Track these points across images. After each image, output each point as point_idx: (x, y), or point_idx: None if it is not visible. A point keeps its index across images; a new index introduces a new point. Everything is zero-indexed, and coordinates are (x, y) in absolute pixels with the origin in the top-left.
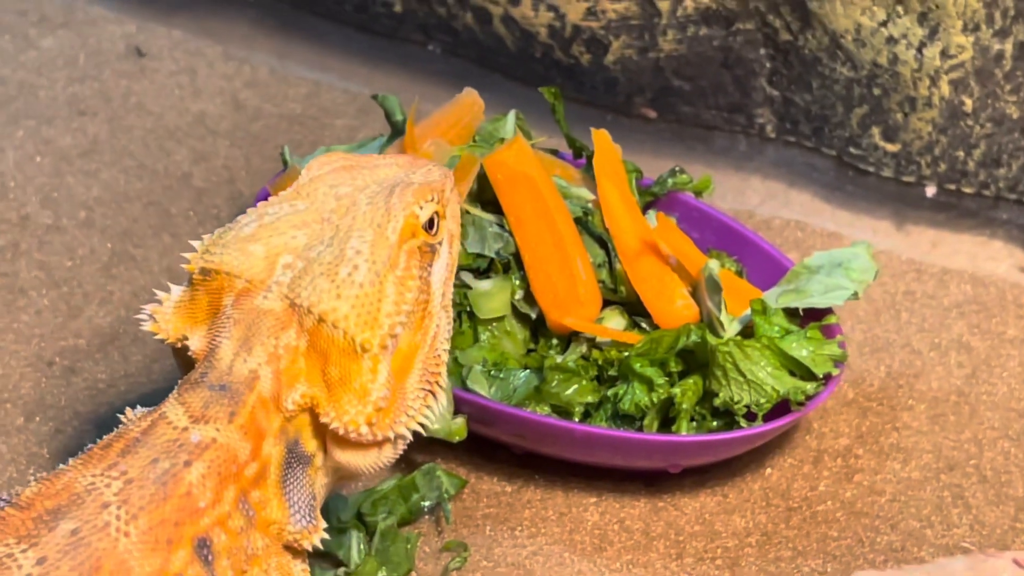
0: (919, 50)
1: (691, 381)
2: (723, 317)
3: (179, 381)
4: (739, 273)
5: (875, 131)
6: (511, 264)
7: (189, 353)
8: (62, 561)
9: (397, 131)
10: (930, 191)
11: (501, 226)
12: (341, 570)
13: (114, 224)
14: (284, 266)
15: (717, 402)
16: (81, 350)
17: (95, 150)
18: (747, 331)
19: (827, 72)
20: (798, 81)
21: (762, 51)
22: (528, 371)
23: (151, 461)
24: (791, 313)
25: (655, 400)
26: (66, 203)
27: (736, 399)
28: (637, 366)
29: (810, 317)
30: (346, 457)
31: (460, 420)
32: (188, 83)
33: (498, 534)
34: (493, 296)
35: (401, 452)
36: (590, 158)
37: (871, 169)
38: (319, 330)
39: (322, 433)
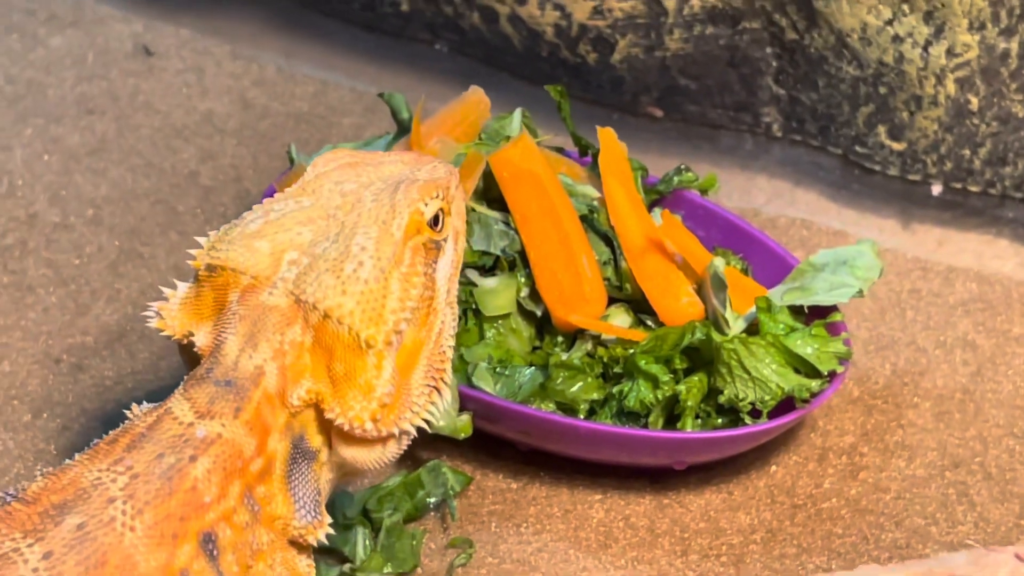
0: (925, 49)
1: (696, 378)
2: (728, 314)
3: (185, 377)
4: (744, 271)
5: (881, 130)
6: (516, 262)
7: (195, 349)
8: (68, 555)
9: (403, 129)
10: (936, 189)
11: (507, 224)
12: (347, 566)
13: (122, 222)
14: (289, 262)
15: (722, 399)
16: (88, 347)
17: (103, 148)
18: (752, 328)
19: (833, 71)
20: (804, 80)
21: (768, 50)
22: (533, 368)
23: (157, 456)
24: (796, 311)
25: (660, 397)
26: (74, 201)
27: (741, 396)
28: (642, 363)
29: (815, 315)
30: (351, 453)
31: (465, 417)
32: (195, 82)
33: (503, 531)
34: (499, 293)
35: (405, 448)
36: (596, 156)
37: (877, 168)
38: (324, 326)
39: (327, 429)
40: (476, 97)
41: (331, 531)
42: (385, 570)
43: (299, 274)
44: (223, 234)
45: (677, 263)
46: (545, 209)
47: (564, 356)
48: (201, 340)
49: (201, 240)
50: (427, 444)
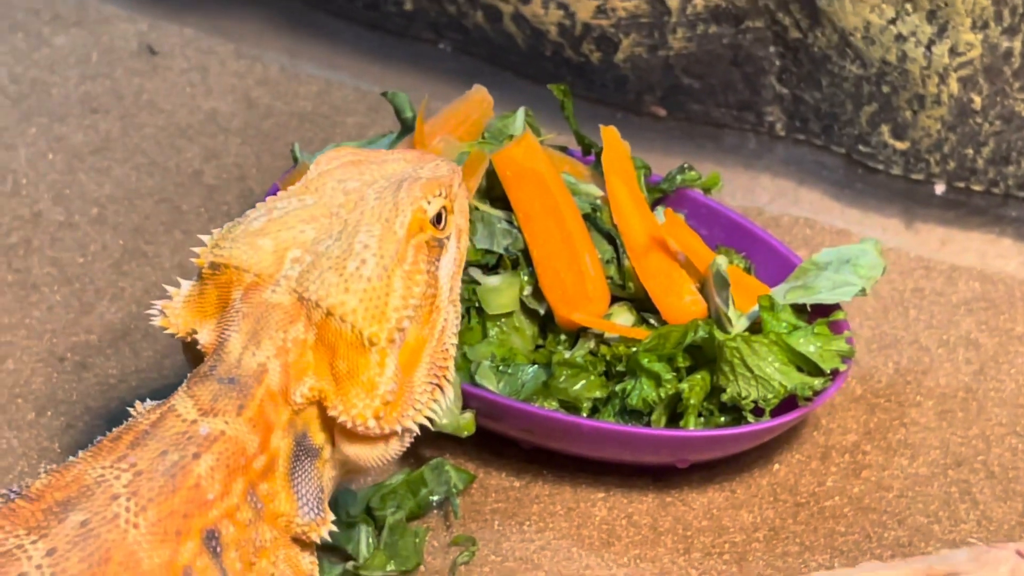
0: (928, 48)
1: (699, 377)
2: (731, 313)
3: (188, 375)
4: (747, 269)
5: (884, 129)
6: (519, 260)
7: (198, 347)
8: (71, 552)
9: (407, 128)
10: (939, 189)
11: (510, 222)
12: (350, 564)
13: (126, 221)
14: (292, 260)
15: (725, 397)
16: (92, 346)
17: (107, 147)
18: (755, 327)
19: (836, 70)
20: (807, 79)
21: (771, 49)
22: (536, 366)
23: (160, 453)
24: (799, 309)
25: (663, 395)
26: (78, 200)
27: (744, 394)
28: (645, 361)
29: (818, 313)
30: (353, 450)
31: (469, 415)
32: (200, 81)
33: (506, 529)
34: (502, 292)
35: (408, 446)
36: (599, 155)
37: (880, 167)
38: (327, 324)
39: (330, 426)
40: (479, 96)
41: (334, 528)
42: (388, 568)
43: (302, 272)
44: (226, 232)
45: (680, 262)
46: (548, 208)
47: (567, 354)
48: (205, 338)
49: (205, 238)
50: (430, 442)
